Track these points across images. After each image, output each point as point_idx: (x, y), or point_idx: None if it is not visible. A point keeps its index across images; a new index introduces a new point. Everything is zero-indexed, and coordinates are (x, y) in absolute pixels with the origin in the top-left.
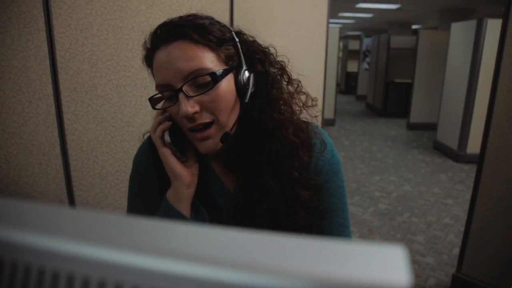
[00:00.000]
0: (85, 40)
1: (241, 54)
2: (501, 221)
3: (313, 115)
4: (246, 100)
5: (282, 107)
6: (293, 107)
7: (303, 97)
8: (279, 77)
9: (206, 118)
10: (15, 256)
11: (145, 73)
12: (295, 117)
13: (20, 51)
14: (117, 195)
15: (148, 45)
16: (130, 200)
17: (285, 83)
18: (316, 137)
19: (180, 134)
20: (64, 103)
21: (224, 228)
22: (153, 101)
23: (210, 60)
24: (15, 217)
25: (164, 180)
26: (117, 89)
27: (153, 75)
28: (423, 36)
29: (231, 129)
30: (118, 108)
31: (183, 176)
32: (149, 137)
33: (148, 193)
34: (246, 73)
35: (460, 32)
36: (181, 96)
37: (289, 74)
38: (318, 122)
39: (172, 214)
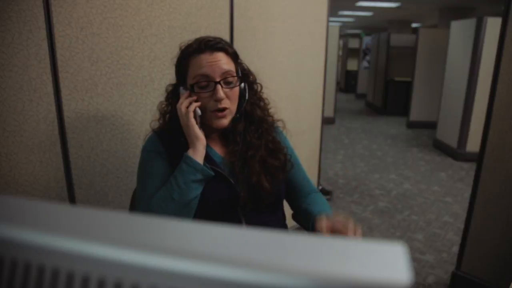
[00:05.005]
0: (85, 38)
1: (239, 70)
2: (501, 219)
3: (274, 113)
4: (247, 98)
5: (262, 103)
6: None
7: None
8: (256, 86)
9: (226, 104)
10: (15, 254)
11: (145, 71)
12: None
13: (21, 49)
14: (117, 193)
15: (193, 48)
16: (146, 176)
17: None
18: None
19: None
20: (64, 102)
21: (226, 227)
22: (190, 87)
23: (234, 68)
24: (15, 215)
25: (174, 160)
26: (117, 87)
27: (182, 68)
28: (422, 35)
29: (236, 114)
30: (119, 106)
31: (202, 139)
32: (155, 133)
33: (162, 167)
34: (241, 83)
35: (459, 31)
36: (218, 86)
37: (261, 85)
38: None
39: (192, 164)
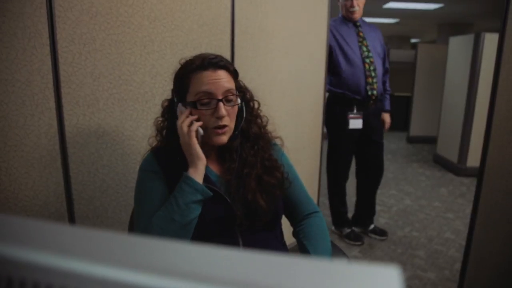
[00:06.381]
0: (88, 54)
1: (238, 87)
2: (503, 236)
3: (273, 131)
4: (244, 116)
5: (259, 120)
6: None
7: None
8: (253, 103)
9: (227, 121)
10: (10, 272)
11: (146, 87)
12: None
13: (24, 65)
14: (117, 208)
15: (196, 64)
16: (143, 197)
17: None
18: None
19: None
20: (66, 117)
21: (222, 248)
22: (191, 104)
23: (234, 86)
24: (10, 233)
25: (171, 180)
26: (119, 103)
27: (183, 84)
28: (421, 50)
29: (234, 132)
30: (120, 121)
31: (203, 158)
32: (152, 152)
33: (160, 187)
34: (239, 100)
35: (458, 46)
36: (220, 104)
37: (258, 102)
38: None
39: (192, 184)
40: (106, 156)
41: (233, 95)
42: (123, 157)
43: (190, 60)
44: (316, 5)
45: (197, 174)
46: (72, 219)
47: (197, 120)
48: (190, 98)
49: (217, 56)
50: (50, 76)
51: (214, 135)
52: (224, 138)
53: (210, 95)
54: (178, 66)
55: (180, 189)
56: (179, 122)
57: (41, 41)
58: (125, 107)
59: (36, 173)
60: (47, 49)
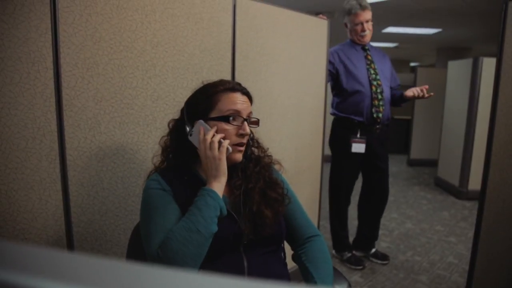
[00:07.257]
0: (91, 78)
1: None
2: (506, 260)
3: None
4: (251, 144)
5: (260, 144)
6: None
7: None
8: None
9: (246, 139)
10: None
11: (148, 111)
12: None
13: (28, 88)
14: (115, 232)
15: (227, 86)
16: (158, 211)
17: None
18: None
19: None
20: (67, 140)
21: (224, 279)
22: (220, 118)
23: None
24: (6, 260)
25: (179, 199)
26: (120, 126)
27: (208, 101)
28: (421, 74)
29: (245, 153)
30: (120, 145)
31: (226, 174)
32: (158, 173)
33: (173, 203)
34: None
35: (457, 70)
36: (246, 123)
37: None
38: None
39: (217, 199)
40: (106, 179)
41: (251, 119)
42: (123, 180)
43: (218, 82)
44: (316, 30)
45: (220, 189)
46: (70, 242)
47: (224, 138)
48: (216, 115)
49: (240, 84)
50: (52, 100)
51: (234, 151)
52: (240, 156)
53: (238, 113)
54: (179, 89)
55: (204, 202)
56: (207, 136)
57: (45, 65)
58: (126, 131)
59: (36, 196)
60: (50, 73)
